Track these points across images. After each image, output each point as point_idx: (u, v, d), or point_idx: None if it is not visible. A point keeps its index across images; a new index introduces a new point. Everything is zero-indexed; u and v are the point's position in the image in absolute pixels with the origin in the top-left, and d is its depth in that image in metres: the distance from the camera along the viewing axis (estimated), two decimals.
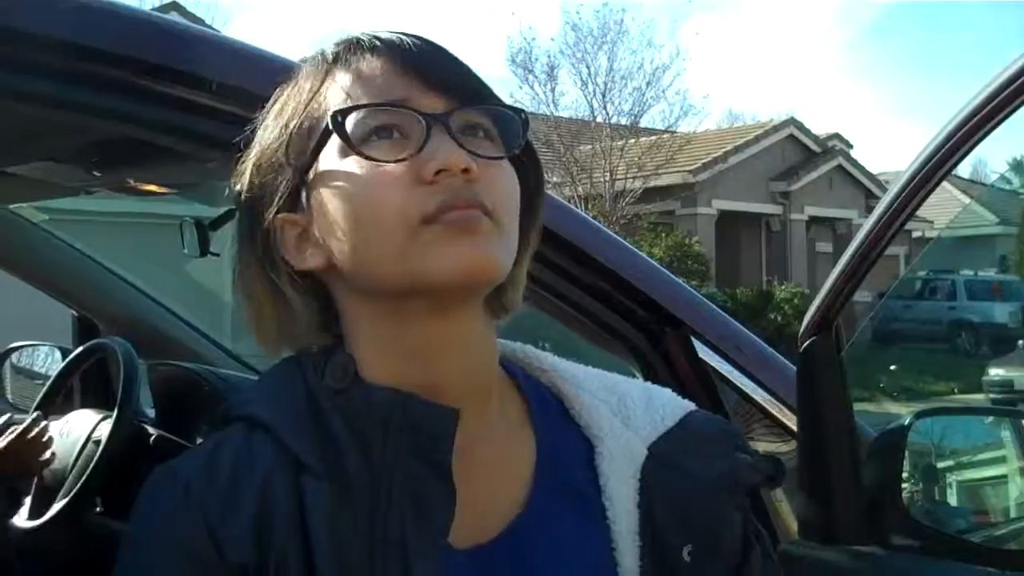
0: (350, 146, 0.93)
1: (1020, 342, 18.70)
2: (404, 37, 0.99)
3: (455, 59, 1.00)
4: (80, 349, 2.64)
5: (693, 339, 1.70)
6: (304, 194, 0.97)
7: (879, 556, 1.50)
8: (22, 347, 3.06)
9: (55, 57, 1.28)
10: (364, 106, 0.94)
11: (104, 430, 2.33)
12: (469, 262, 0.92)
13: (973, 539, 1.67)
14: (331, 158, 0.95)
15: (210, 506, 0.93)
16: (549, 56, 24.15)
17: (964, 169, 38.53)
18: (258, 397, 1.02)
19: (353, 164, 0.93)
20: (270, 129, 1.00)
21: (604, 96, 23.68)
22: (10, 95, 1.34)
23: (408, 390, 0.96)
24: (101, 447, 2.30)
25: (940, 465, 1.75)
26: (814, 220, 26.65)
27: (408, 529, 0.92)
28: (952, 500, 1.76)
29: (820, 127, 32.38)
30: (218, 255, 2.33)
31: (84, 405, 2.60)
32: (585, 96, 23.97)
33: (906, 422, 1.58)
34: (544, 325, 1.75)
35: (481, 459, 1.00)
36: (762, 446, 1.76)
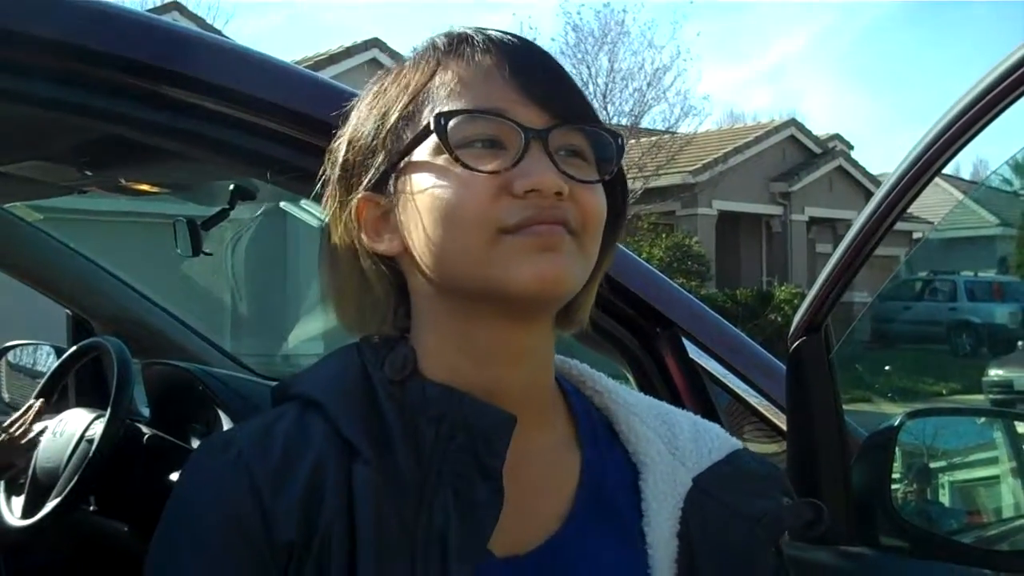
0: (448, 150, 0.94)
1: (1020, 343, 18.70)
2: (514, 40, 1.01)
3: (561, 71, 1.01)
4: (74, 348, 2.63)
5: (684, 339, 1.69)
6: (393, 180, 0.99)
7: (869, 557, 1.50)
8: (17, 346, 3.05)
9: (47, 58, 1.28)
10: (465, 112, 0.95)
11: (97, 429, 2.33)
12: (544, 277, 0.94)
13: (964, 540, 1.66)
14: (426, 152, 0.97)
15: (261, 477, 0.93)
16: None
17: (966, 171, 38.54)
18: (316, 378, 1.03)
19: (446, 164, 0.95)
20: (368, 112, 1.02)
21: (605, 97, 23.65)
22: (2, 95, 1.34)
23: (464, 390, 0.97)
24: (94, 446, 2.29)
25: (931, 465, 1.75)
26: (814, 221, 26.65)
27: (452, 528, 0.92)
28: (944, 500, 1.76)
29: (820, 128, 32.39)
30: (211, 254, 2.33)
31: (79, 404, 2.60)
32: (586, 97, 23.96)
33: (896, 423, 1.58)
34: None
35: (527, 470, 0.99)
36: (753, 447, 1.75)
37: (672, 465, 1.05)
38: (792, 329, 1.55)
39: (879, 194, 1.45)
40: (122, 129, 1.46)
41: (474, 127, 0.95)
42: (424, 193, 0.96)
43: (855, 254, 1.49)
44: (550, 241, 0.94)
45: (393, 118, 0.99)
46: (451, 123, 0.95)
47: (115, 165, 1.81)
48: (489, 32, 1.01)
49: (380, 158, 0.99)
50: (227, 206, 2.12)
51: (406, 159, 0.98)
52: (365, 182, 1.00)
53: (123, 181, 1.93)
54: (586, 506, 1.02)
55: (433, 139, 0.95)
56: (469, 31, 1.01)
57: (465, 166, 0.94)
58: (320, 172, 1.06)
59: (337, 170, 1.03)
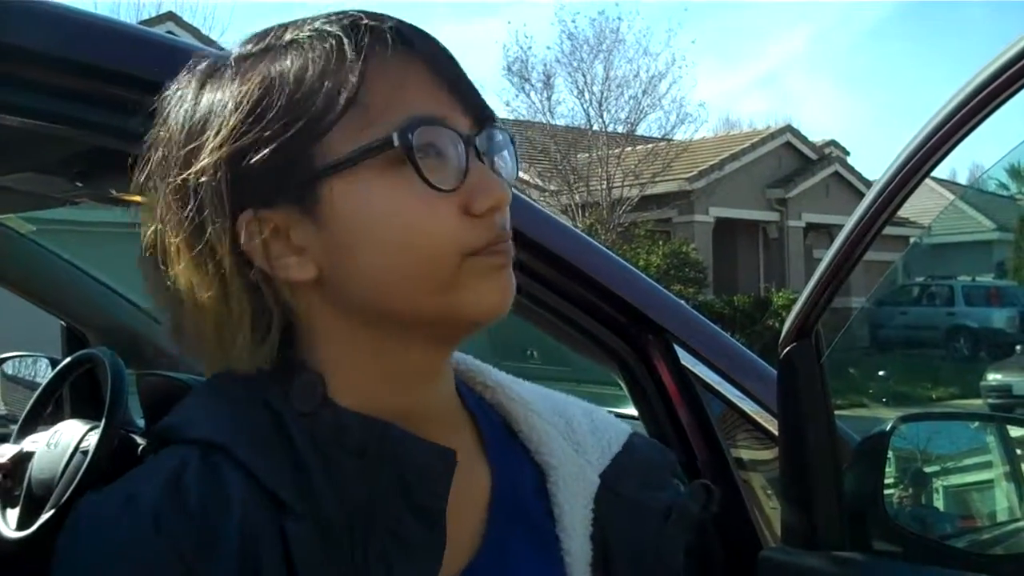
0: (415, 167, 0.83)
1: (1018, 347, 18.71)
2: (421, 32, 0.90)
3: (463, 69, 0.92)
4: (68, 360, 2.63)
5: (676, 346, 1.69)
6: (307, 195, 0.84)
7: (861, 562, 1.50)
8: (12, 358, 3.05)
9: (37, 70, 1.28)
10: (433, 121, 0.85)
11: (92, 440, 2.32)
12: (507, 297, 0.89)
13: (957, 544, 1.66)
14: (371, 172, 0.84)
15: (186, 543, 0.80)
16: (545, 65, 24.15)
17: (963, 176, 38.58)
18: (211, 416, 0.89)
19: (404, 184, 0.84)
20: (255, 111, 0.85)
21: (600, 104, 23.70)
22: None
23: (383, 417, 0.88)
24: (89, 457, 2.29)
25: (924, 470, 1.75)
26: (811, 227, 26.66)
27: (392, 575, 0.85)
28: (937, 505, 1.76)
29: (816, 134, 32.39)
30: None
31: (74, 415, 2.59)
32: (581, 104, 23.97)
33: (889, 427, 1.58)
34: (525, 332, 1.74)
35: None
36: (745, 453, 1.76)
37: (578, 464, 1.00)
38: (783, 334, 1.55)
39: (868, 198, 1.45)
40: (111, 140, 1.46)
41: (423, 137, 0.84)
42: (374, 214, 0.84)
43: (844, 259, 1.49)
44: (507, 259, 0.89)
45: (309, 124, 0.84)
46: (414, 134, 0.84)
47: (106, 176, 1.81)
48: (399, 26, 0.88)
49: (289, 171, 0.84)
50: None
51: (340, 177, 0.84)
52: (257, 196, 0.85)
53: (114, 192, 1.93)
54: (501, 520, 0.96)
55: (385, 155, 0.84)
56: (376, 23, 0.87)
57: (430, 185, 0.84)
58: (141, 176, 0.91)
59: (203, 177, 0.85)
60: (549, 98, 23.87)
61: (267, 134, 0.83)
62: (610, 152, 22.96)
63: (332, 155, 0.84)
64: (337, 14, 0.88)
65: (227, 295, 0.86)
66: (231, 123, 0.84)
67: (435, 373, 0.94)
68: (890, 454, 1.58)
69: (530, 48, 27.53)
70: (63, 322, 3.02)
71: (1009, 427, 1.83)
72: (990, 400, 16.35)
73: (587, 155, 23.03)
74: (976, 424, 1.98)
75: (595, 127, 23.62)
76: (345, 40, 0.85)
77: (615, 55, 23.77)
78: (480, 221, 0.86)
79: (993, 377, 17.25)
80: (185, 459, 0.85)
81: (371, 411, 0.88)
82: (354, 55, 0.85)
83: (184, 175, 0.86)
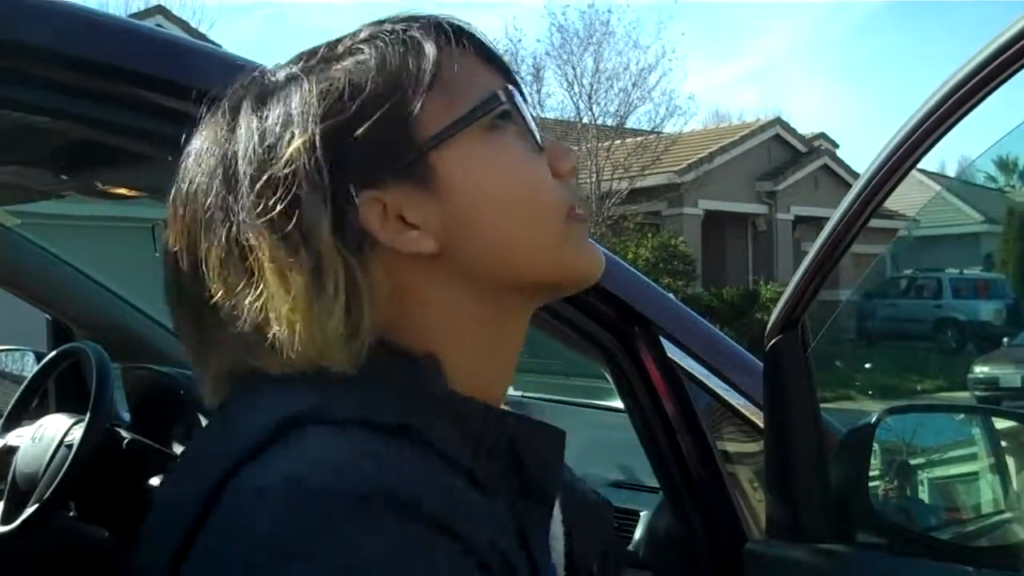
0: (527, 127, 0.89)
1: (1005, 339, 18.78)
2: (468, 24, 0.92)
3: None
4: (53, 353, 2.63)
5: (662, 339, 1.69)
6: (422, 173, 0.85)
7: (846, 554, 1.50)
8: None
9: (22, 62, 1.27)
10: (508, 93, 0.89)
11: (77, 434, 2.32)
12: (600, 260, 0.92)
13: (942, 536, 1.66)
14: (474, 141, 0.86)
15: (484, 552, 0.74)
16: (535, 57, 24.18)
17: (951, 169, 38.66)
18: (379, 400, 0.80)
19: (509, 149, 0.88)
20: (343, 96, 0.84)
21: (590, 97, 23.71)
22: None
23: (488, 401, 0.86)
24: (73, 451, 2.29)
25: (909, 462, 1.76)
26: (800, 220, 26.69)
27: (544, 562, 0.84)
28: (922, 497, 1.76)
29: (806, 127, 32.45)
30: None
31: (59, 409, 2.59)
32: (571, 97, 23.99)
33: (874, 419, 1.58)
34: None
35: None
36: (731, 446, 1.76)
37: None
38: (769, 326, 1.56)
39: (854, 190, 1.45)
40: (97, 133, 1.45)
41: (503, 107, 0.88)
42: (490, 177, 0.86)
43: (830, 251, 1.49)
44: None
45: (414, 104, 0.84)
46: (504, 104, 0.88)
47: (92, 169, 1.80)
48: (436, 17, 0.90)
49: (397, 148, 0.85)
50: None
51: (446, 148, 0.85)
52: (360, 177, 0.84)
53: (100, 185, 1.92)
54: None
55: (480, 125, 0.86)
56: (439, 17, 0.90)
57: (536, 143, 0.89)
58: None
59: (293, 166, 0.82)
60: (539, 91, 23.89)
61: (360, 114, 0.83)
62: (600, 145, 22.97)
63: (430, 129, 0.85)
64: (381, 21, 0.90)
65: (322, 281, 0.81)
66: (319, 110, 0.83)
67: (518, 351, 0.93)
68: (875, 446, 1.58)
69: (520, 41, 27.69)
70: (48, 316, 3.02)
71: (995, 419, 1.82)
72: (977, 393, 16.42)
73: (577, 148, 22.97)
74: (961, 416, 1.98)
75: (585, 120, 23.63)
76: (412, 32, 0.88)
77: (605, 48, 23.81)
78: (564, 182, 0.90)
79: (980, 370, 17.32)
80: (391, 443, 0.76)
81: (478, 396, 0.85)
82: (425, 41, 0.87)
83: (269, 171, 0.83)
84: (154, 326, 2.98)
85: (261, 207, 0.81)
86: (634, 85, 23.79)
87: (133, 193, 2.01)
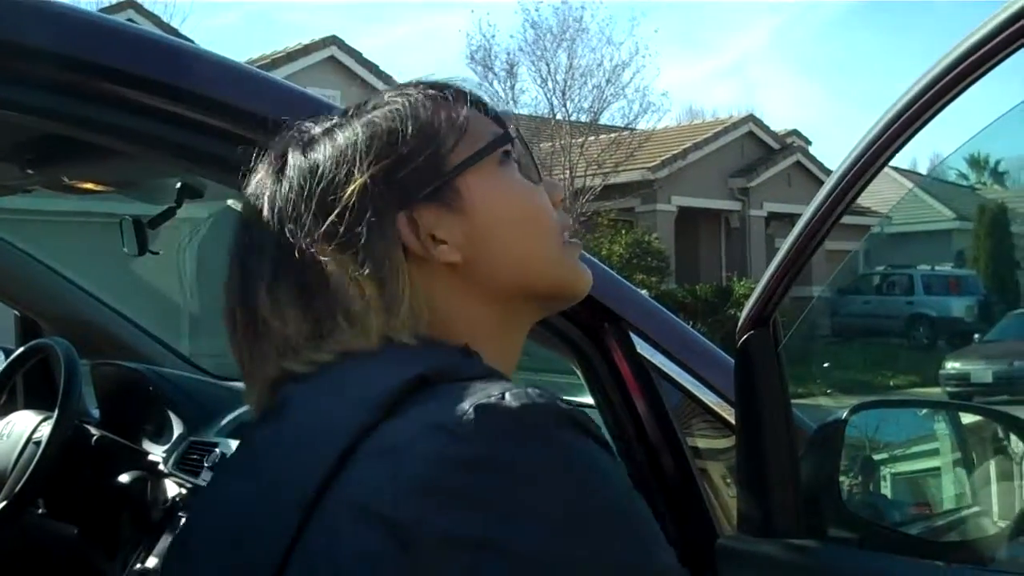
0: (533, 164, 1.10)
1: (976, 336, 18.90)
2: (471, 91, 1.10)
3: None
4: (20, 350, 2.61)
5: (632, 334, 1.69)
6: (450, 196, 1.01)
7: (816, 549, 1.50)
8: None
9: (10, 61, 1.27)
10: (516, 137, 1.08)
11: (45, 431, 2.31)
12: (590, 277, 1.10)
13: (912, 531, 1.67)
14: (488, 171, 1.04)
15: None
16: (508, 53, 24.11)
17: (923, 166, 38.88)
18: (480, 366, 0.96)
19: (516, 179, 1.06)
20: (391, 139, 1.01)
21: (564, 93, 23.70)
22: None
23: None
24: (41, 448, 2.27)
25: (878, 458, 1.76)
26: (773, 216, 26.79)
27: None
28: (892, 492, 1.77)
29: (779, 123, 32.47)
30: (158, 253, 2.31)
31: (28, 405, 2.57)
32: (545, 93, 23.96)
33: (843, 415, 1.58)
34: None
35: None
36: (702, 443, 1.76)
37: None
38: (740, 323, 1.55)
39: (826, 187, 1.45)
40: (62, 127, 1.44)
41: (510, 148, 1.07)
42: (504, 197, 1.04)
43: (802, 247, 1.49)
44: None
45: (447, 146, 1.02)
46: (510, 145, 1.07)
47: (58, 163, 1.79)
48: (463, 86, 1.10)
49: (430, 178, 1.01)
50: (174, 204, 2.10)
51: (469, 176, 1.03)
52: (405, 201, 1.00)
53: (67, 180, 1.90)
54: None
55: (492, 160, 1.04)
56: (459, 84, 1.09)
57: (538, 174, 1.09)
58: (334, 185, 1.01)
59: (377, 186, 0.99)
60: (512, 87, 23.86)
61: (405, 154, 1.01)
62: (573, 141, 22.97)
63: (455, 161, 1.03)
64: (406, 84, 1.09)
65: (390, 286, 0.98)
66: (374, 149, 1.01)
67: (516, 359, 1.08)
68: (845, 442, 1.58)
69: (493, 37, 27.66)
70: (16, 312, 2.99)
71: (963, 415, 1.83)
72: (949, 388, 16.52)
73: (550, 144, 23.00)
74: (930, 412, 1.98)
75: (558, 116, 23.62)
76: (443, 92, 1.07)
77: (578, 44, 23.79)
78: (557, 210, 1.09)
79: (952, 365, 17.43)
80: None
81: None
82: (451, 99, 1.06)
83: (333, 201, 0.99)
84: (123, 322, 2.97)
85: (328, 232, 0.98)
86: (608, 81, 23.81)
87: (100, 188, 1.99)
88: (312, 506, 0.84)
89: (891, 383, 17.80)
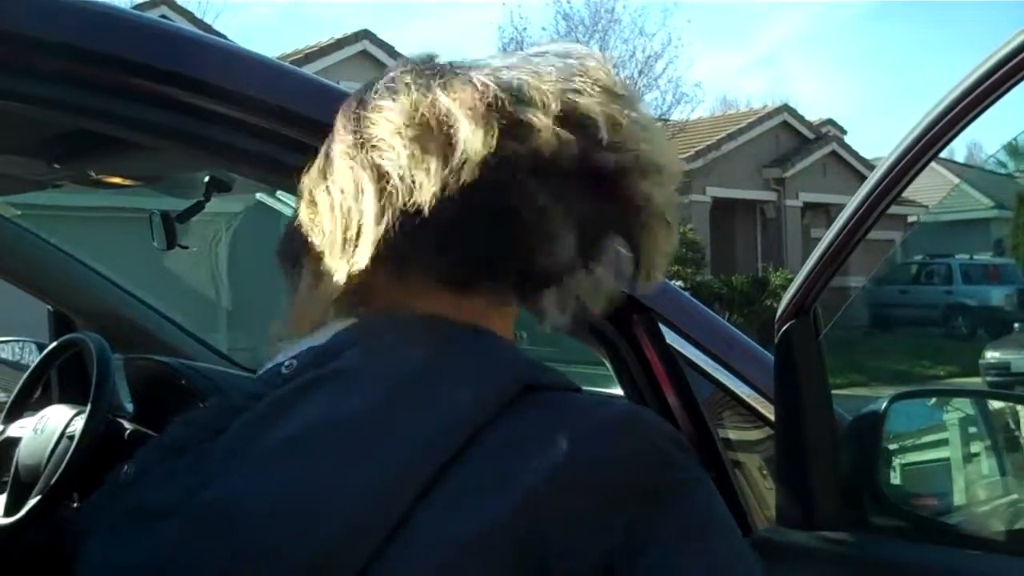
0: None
1: (1016, 325, 18.72)
2: None
3: None
4: (53, 344, 2.61)
5: (662, 326, 1.67)
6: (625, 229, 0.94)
7: (856, 540, 1.49)
8: (1, 342, 3.04)
9: (9, 51, 1.26)
10: None
11: (78, 425, 2.31)
12: None
13: (952, 521, 1.65)
14: None
15: None
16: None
17: (960, 154, 38.54)
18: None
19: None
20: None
21: None
22: None
23: None
24: (75, 442, 2.27)
25: (918, 447, 1.74)
26: (809, 206, 26.65)
27: None
28: (932, 482, 1.75)
29: (814, 113, 32.30)
30: (187, 248, 2.31)
31: (63, 400, 2.58)
32: None
33: (882, 406, 1.56)
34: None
35: None
36: (734, 434, 1.74)
37: None
38: (780, 312, 1.54)
39: (873, 178, 1.43)
40: (86, 122, 1.44)
41: None
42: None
43: (848, 238, 1.47)
44: None
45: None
46: None
47: (85, 158, 1.79)
48: None
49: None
50: (202, 198, 2.10)
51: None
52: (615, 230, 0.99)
53: (93, 174, 1.91)
54: None
55: None
56: None
57: None
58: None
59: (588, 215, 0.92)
60: None
61: None
62: None
63: None
64: None
65: None
66: None
67: None
68: (884, 431, 1.56)
69: (525, 29, 27.49)
70: (50, 307, 3.00)
71: (1004, 403, 1.81)
72: (989, 378, 16.38)
73: None
74: (970, 401, 1.95)
75: None
76: None
77: (611, 35, 23.77)
78: None
79: (991, 355, 17.26)
80: None
81: None
82: None
83: None
84: (156, 317, 2.97)
85: None
86: (640, 73, 23.74)
87: (127, 182, 2.00)
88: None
89: (930, 373, 17.67)
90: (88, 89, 1.32)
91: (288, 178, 1.50)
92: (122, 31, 1.34)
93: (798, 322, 1.52)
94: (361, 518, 0.78)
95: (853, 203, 1.45)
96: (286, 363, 0.88)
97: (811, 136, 27.60)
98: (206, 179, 2.06)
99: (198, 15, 21.85)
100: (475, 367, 0.87)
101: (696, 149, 24.68)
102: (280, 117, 1.39)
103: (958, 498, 1.76)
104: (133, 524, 0.84)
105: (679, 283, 20.59)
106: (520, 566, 0.77)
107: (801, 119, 27.78)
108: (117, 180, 1.96)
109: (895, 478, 1.66)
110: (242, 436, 0.84)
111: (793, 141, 27.24)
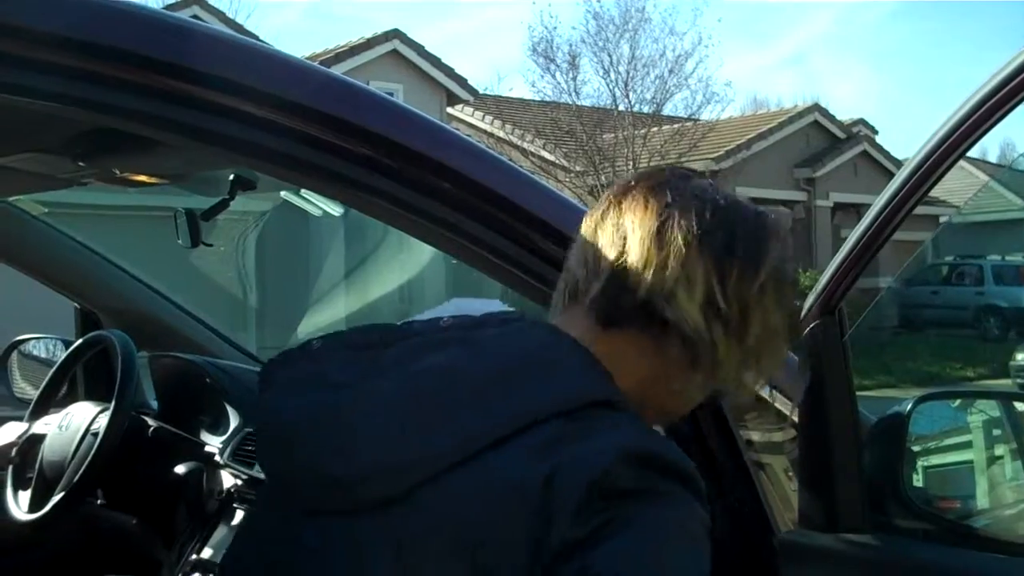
0: None
1: None
2: None
3: None
4: (79, 342, 2.63)
5: None
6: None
7: (881, 543, 1.47)
8: (28, 340, 3.05)
9: (37, 50, 1.26)
10: None
11: (102, 422, 2.32)
12: None
13: (978, 524, 1.63)
14: None
15: None
16: (571, 45, 23.99)
17: (993, 153, 38.20)
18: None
19: None
20: None
21: (626, 84, 23.55)
22: None
23: None
24: (99, 439, 2.29)
25: (943, 449, 1.72)
26: (839, 206, 26.48)
27: None
28: (958, 485, 1.73)
29: (845, 113, 32.08)
30: (211, 245, 2.32)
31: (88, 397, 2.59)
32: (607, 84, 23.83)
33: (908, 407, 1.54)
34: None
35: None
36: (756, 435, 1.72)
37: None
38: (805, 312, 1.52)
39: (900, 177, 1.41)
40: (110, 120, 1.44)
41: None
42: None
43: (874, 237, 1.46)
44: None
45: None
46: None
47: (109, 156, 1.80)
48: None
49: None
50: (227, 196, 2.10)
51: None
52: None
53: (118, 172, 1.91)
54: None
55: None
56: None
57: None
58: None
59: None
60: (575, 78, 23.74)
61: None
62: (636, 132, 22.84)
63: None
64: None
65: None
66: None
67: None
68: (909, 434, 1.54)
69: (555, 28, 27.52)
70: (76, 304, 3.02)
71: (1016, 404, 1.78)
72: (1019, 380, 16.23)
73: (613, 135, 22.91)
74: (992, 403, 1.93)
75: (621, 107, 23.49)
76: None
77: (641, 34, 23.63)
78: None
79: (1023, 357, 17.10)
80: None
81: None
82: None
83: None
84: (181, 314, 2.98)
85: None
86: (670, 72, 23.63)
87: (152, 180, 2.00)
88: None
89: (960, 375, 17.53)
90: (108, 87, 1.32)
91: (310, 177, 1.51)
92: (138, 26, 1.34)
93: (823, 322, 1.50)
94: (435, 448, 1.02)
95: (880, 202, 1.44)
96: (444, 319, 1.17)
97: (842, 136, 27.43)
98: (231, 177, 2.07)
99: (229, 15, 21.95)
100: (561, 374, 1.09)
101: (726, 149, 24.57)
102: (303, 115, 1.39)
103: (983, 501, 1.74)
104: (313, 388, 1.10)
105: None
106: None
107: (832, 119, 27.61)
108: (142, 178, 1.97)
109: (919, 480, 1.63)
110: (402, 355, 1.11)
111: (824, 141, 27.08)
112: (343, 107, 1.42)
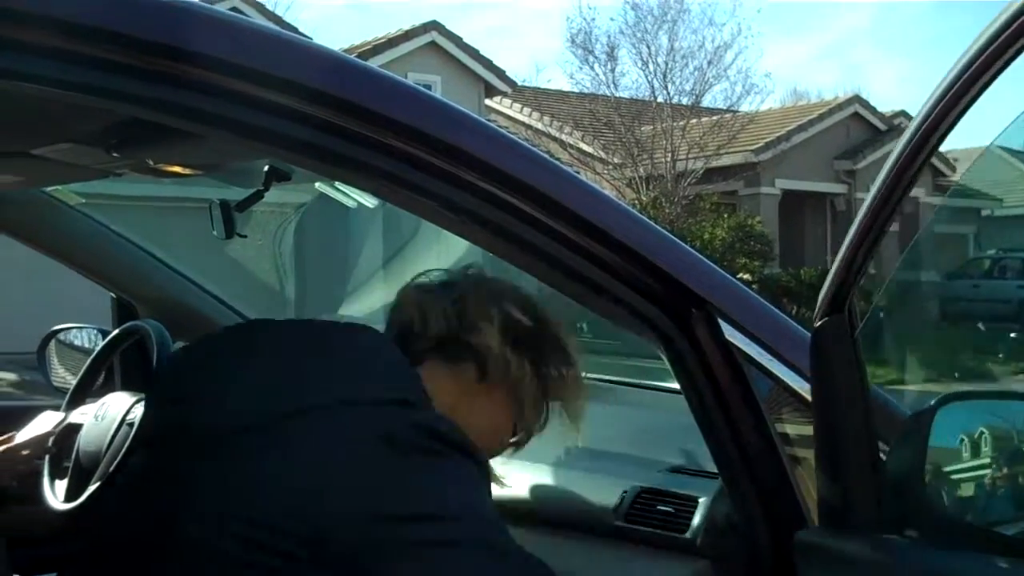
0: None
1: None
2: None
3: None
4: (115, 332, 2.64)
5: (721, 320, 1.64)
6: None
7: (897, 545, 1.43)
8: (65, 329, 3.07)
9: (70, 40, 1.27)
10: None
11: (138, 412, 2.33)
12: None
13: (1009, 531, 1.58)
14: None
15: None
16: (609, 36, 23.98)
17: None
18: None
19: None
20: None
21: (665, 76, 23.50)
22: (28, 78, 1.32)
23: None
24: (134, 429, 2.29)
25: (969, 450, 1.68)
26: None
27: None
28: (987, 488, 1.68)
29: (886, 104, 31.82)
30: (246, 236, 2.32)
31: (125, 387, 2.60)
32: (646, 76, 23.80)
33: (932, 406, 1.50)
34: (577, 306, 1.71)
35: None
36: (791, 428, 1.70)
37: None
38: (817, 307, 1.49)
39: (904, 137, 1.38)
40: (141, 110, 1.45)
41: None
42: None
43: (873, 219, 1.41)
44: None
45: None
46: None
47: (142, 146, 1.81)
48: None
49: None
50: (262, 188, 2.10)
51: None
52: None
53: (151, 163, 1.92)
54: None
55: None
56: None
57: None
58: None
59: None
60: (613, 70, 23.71)
61: None
62: (675, 124, 22.78)
63: None
64: None
65: None
66: None
67: None
68: (932, 433, 1.50)
69: (593, 20, 27.46)
70: (112, 294, 3.04)
71: None
72: None
73: (651, 127, 22.86)
74: (1022, 403, 1.88)
75: (659, 99, 23.43)
76: None
77: (679, 25, 23.59)
78: None
79: None
80: None
81: None
82: None
83: None
84: (217, 304, 3.00)
85: None
86: (709, 63, 23.57)
87: (186, 171, 2.01)
88: None
89: (1003, 370, 17.34)
90: (141, 79, 1.33)
91: (343, 169, 1.51)
92: (164, 15, 1.34)
93: (831, 319, 1.45)
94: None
95: (877, 185, 1.40)
96: None
97: (883, 128, 27.20)
98: (265, 168, 2.07)
99: (269, 7, 22.04)
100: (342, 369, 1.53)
101: (766, 140, 24.45)
102: (337, 107, 1.39)
103: (1008, 506, 1.70)
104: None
105: (746, 276, 20.42)
106: None
107: (873, 110, 27.40)
108: (176, 168, 1.98)
109: (942, 482, 1.60)
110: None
111: (864, 132, 26.88)
112: (385, 104, 1.42)
